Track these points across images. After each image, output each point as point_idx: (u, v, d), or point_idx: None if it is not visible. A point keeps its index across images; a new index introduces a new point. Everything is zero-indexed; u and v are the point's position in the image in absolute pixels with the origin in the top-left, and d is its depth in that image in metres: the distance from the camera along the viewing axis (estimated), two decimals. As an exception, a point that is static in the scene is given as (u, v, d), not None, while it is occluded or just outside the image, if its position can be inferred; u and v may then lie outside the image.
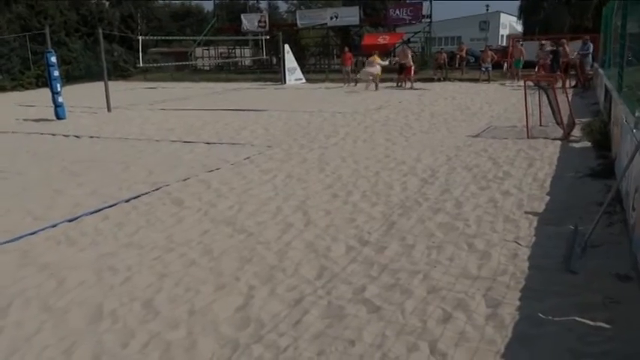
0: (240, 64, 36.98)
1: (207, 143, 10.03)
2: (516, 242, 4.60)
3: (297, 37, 34.37)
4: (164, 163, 8.43)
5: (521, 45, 21.56)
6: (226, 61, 35.79)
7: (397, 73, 21.16)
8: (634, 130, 4.76)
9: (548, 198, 5.79)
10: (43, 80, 21.67)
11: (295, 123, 12.16)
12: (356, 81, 22.13)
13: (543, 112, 10.06)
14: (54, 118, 14.24)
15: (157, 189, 6.81)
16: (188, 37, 34.59)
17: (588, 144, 8.34)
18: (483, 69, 21.28)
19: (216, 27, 36.14)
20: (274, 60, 32.57)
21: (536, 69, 18.80)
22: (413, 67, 20.81)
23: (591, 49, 17.41)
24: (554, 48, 18.82)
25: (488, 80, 20.83)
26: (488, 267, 4.13)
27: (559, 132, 9.30)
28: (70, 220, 5.67)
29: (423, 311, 3.49)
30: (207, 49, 37.87)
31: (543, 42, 19.57)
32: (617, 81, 7.71)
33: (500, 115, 12.30)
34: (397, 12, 29.44)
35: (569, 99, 10.41)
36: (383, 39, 28.32)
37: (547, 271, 3.98)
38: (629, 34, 7.19)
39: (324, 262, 4.37)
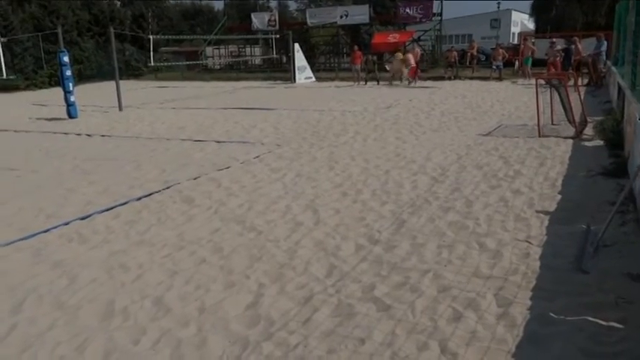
0: (250, 62, 37.06)
1: (218, 142, 10.06)
2: (527, 241, 4.56)
3: (307, 35, 34.35)
4: (175, 161, 8.47)
5: (533, 43, 21.37)
6: (236, 60, 35.88)
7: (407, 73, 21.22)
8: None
9: (559, 197, 5.75)
10: (56, 79, 21.89)
11: (305, 122, 12.16)
12: (366, 80, 22.10)
13: (555, 110, 9.98)
14: (66, 117, 14.38)
15: (167, 187, 6.85)
16: (199, 36, 34.71)
17: (601, 142, 8.26)
18: (494, 67, 21.14)
19: (227, 26, 36.24)
20: (284, 59, 32.59)
21: (547, 67, 18.63)
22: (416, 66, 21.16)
23: (605, 47, 17.20)
24: (567, 46, 18.64)
25: (499, 78, 20.69)
26: (500, 266, 4.10)
27: (571, 130, 9.21)
28: (82, 218, 5.73)
29: (433, 310, 3.48)
30: (218, 48, 37.99)
31: (554, 40, 19.40)
32: (630, 79, 7.62)
33: (512, 113, 12.22)
34: (407, 10, 29.31)
35: (582, 97, 10.30)
36: (393, 37, 28.19)
37: (558, 271, 3.95)
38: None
39: (333, 260, 4.38)
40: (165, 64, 28.71)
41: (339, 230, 5.08)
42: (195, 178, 7.26)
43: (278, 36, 29.67)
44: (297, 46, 24.86)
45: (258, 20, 33.07)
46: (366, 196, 6.17)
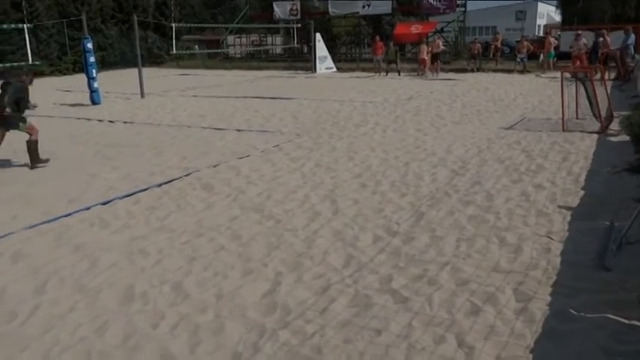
0: (271, 52, 37.01)
1: (238, 130, 10.10)
2: (549, 237, 4.50)
3: (329, 25, 34.13)
4: (195, 149, 8.53)
5: (558, 36, 20.92)
6: (258, 49, 35.87)
7: (431, 62, 21.06)
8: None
9: (582, 192, 5.65)
10: (80, 66, 22.16)
11: (325, 112, 12.13)
12: (387, 71, 21.93)
13: (580, 104, 9.78)
14: (89, 103, 14.56)
15: (188, 174, 6.91)
16: (220, 25, 34.75)
17: (627, 138, 8.07)
18: (518, 60, 20.78)
19: (249, 15, 36.20)
20: (305, 48, 32.47)
21: (572, 61, 18.27)
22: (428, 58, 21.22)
23: (633, 40, 16.78)
24: (594, 39, 18.22)
25: (523, 71, 20.35)
26: (520, 261, 4.06)
27: (596, 125, 9.03)
28: (104, 204, 5.81)
29: (451, 304, 3.45)
30: (239, 37, 38.01)
31: (579, 32, 18.96)
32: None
33: (535, 107, 12.02)
34: (431, 1, 28.91)
35: (608, 91, 10.09)
36: (415, 28, 27.85)
37: (580, 267, 3.89)
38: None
39: (351, 251, 4.37)
40: (187, 52, 28.75)
41: (358, 221, 5.07)
42: (215, 166, 7.31)
43: (299, 25, 29.55)
44: (318, 35, 24.74)
45: (280, 9, 32.96)
46: (385, 187, 6.14)
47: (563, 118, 9.25)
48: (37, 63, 22.49)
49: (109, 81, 20.40)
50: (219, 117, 11.87)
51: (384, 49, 22.35)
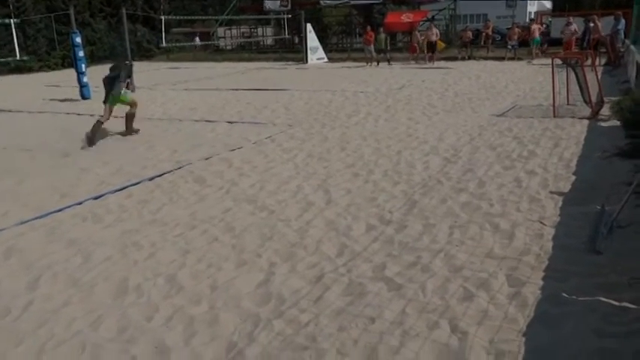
0: (262, 43, 36.82)
1: (230, 122, 10.06)
2: (541, 222, 4.53)
3: (320, 15, 33.99)
4: (187, 142, 8.49)
5: (549, 22, 20.94)
6: (248, 40, 35.67)
7: (426, 51, 21.13)
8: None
9: (574, 178, 5.68)
10: (69, 61, 21.90)
11: (317, 102, 12.10)
12: (378, 61, 21.88)
13: (571, 90, 9.81)
14: (79, 98, 14.43)
15: (180, 167, 6.88)
16: (210, 17, 34.49)
17: (617, 123, 8.12)
18: (510, 47, 20.80)
19: (238, 6, 35.95)
20: (296, 39, 32.32)
21: (563, 47, 18.30)
22: (417, 46, 21.75)
23: (623, 25, 16.82)
24: (585, 25, 18.24)
25: (514, 58, 20.37)
26: (512, 247, 4.08)
27: (587, 111, 9.06)
28: (96, 198, 5.78)
29: (444, 290, 3.48)
30: (230, 29, 37.76)
31: (571, 19, 18.98)
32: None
33: (526, 93, 12.04)
34: (422, -11, 28.83)
35: (599, 77, 10.12)
36: (406, 17, 27.76)
37: (572, 252, 3.92)
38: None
39: (344, 240, 4.38)
40: (177, 45, 28.51)
41: (351, 210, 5.08)
42: (207, 159, 7.28)
43: (290, 16, 29.38)
44: (309, 26, 24.61)
45: (271, 0, 32.75)
46: (377, 176, 6.15)
47: (554, 104, 9.28)
48: (25, 59, 22.25)
49: (98, 75, 20.08)
50: (211, 109, 11.81)
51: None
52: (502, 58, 20.73)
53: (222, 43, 35.83)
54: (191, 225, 4.87)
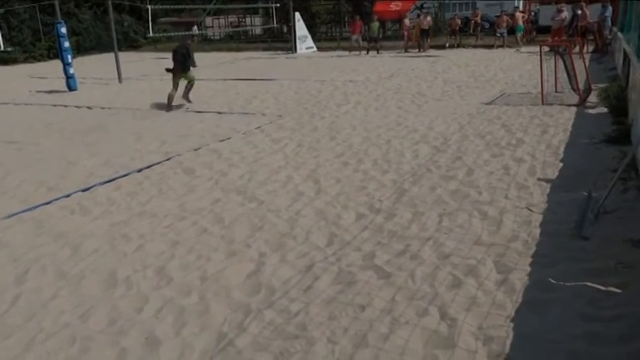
0: (250, 33, 36.55)
1: (218, 113, 10.00)
2: (528, 209, 4.56)
3: (308, 4, 33.74)
4: (175, 133, 8.44)
5: (537, 10, 20.93)
6: (236, 30, 35.39)
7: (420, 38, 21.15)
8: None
9: (561, 165, 5.72)
10: (55, 52, 21.66)
11: (306, 92, 12.06)
12: (368, 49, 21.81)
13: (559, 77, 9.85)
14: (66, 89, 14.27)
15: (168, 159, 6.84)
16: (198, 6, 34.11)
17: (604, 110, 8.18)
18: (498, 35, 20.80)
19: (226, -5, 35.60)
20: (285, 28, 32.10)
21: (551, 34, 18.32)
22: (407, 34, 21.98)
23: (610, 12, 16.87)
24: (572, 12, 18.25)
25: (503, 46, 20.39)
26: (500, 234, 4.11)
27: (575, 98, 9.11)
28: (84, 190, 5.74)
29: (433, 277, 3.50)
30: (217, 19, 37.43)
31: (563, 6, 18.94)
32: (636, 45, 7.49)
33: (515, 81, 12.08)
34: (410, -23, 28.66)
35: (586, 64, 10.16)
36: (395, 5, 27.67)
37: (559, 238, 3.96)
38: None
39: (334, 229, 4.39)
40: (165, 34, 28.19)
41: (340, 199, 5.09)
42: (195, 149, 7.25)
43: (278, 5, 29.15)
44: (297, 15, 24.45)
45: (258, -12, 32.45)
46: (367, 165, 6.16)
47: (542, 91, 9.31)
48: (9, 50, 21.93)
49: (85, 66, 20.03)
50: (199, 100, 11.71)
51: (362, 27, 22.20)
52: (491, 46, 20.73)
53: (210, 32, 35.51)
54: (180, 216, 4.86)
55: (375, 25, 21.83)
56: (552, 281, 3.33)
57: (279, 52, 25.58)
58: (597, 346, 2.69)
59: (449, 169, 5.85)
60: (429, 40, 21.40)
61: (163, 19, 35.41)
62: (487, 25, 25.71)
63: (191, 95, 10.97)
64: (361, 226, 4.45)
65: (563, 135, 6.99)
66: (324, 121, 8.79)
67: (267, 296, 3.40)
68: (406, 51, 21.52)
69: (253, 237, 4.32)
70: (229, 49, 28.43)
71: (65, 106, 11.85)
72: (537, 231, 4.11)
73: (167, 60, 24.47)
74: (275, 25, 31.22)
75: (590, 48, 16.91)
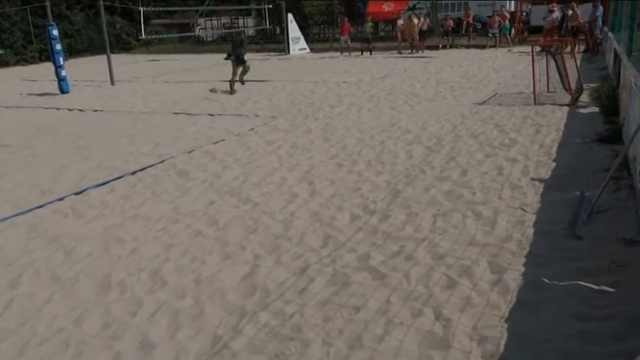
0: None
1: (212, 115, 9.99)
2: (522, 209, 4.59)
3: (301, 5, 33.74)
4: (169, 135, 8.42)
5: (529, 10, 21.02)
6: (229, 31, 35.32)
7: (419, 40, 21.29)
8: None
9: (554, 164, 5.75)
10: (46, 54, 21.50)
11: (299, 93, 12.06)
12: (362, 50, 21.85)
13: (551, 77, 9.91)
14: (58, 92, 14.19)
15: (162, 161, 6.83)
16: (190, 8, 34.05)
17: (596, 109, 8.24)
18: (490, 35, 20.91)
19: (219, -4, 35.56)
20: (277, 30, 32.09)
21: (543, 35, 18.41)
22: (400, 35, 22.25)
23: (601, 12, 16.99)
24: (563, 12, 18.36)
25: (495, 46, 20.49)
26: (494, 234, 4.13)
27: (567, 98, 9.17)
28: (77, 193, 5.71)
29: (428, 278, 3.51)
30: (210, 20, 37.38)
31: (554, 6, 19.02)
32: (627, 45, 7.55)
33: (508, 81, 12.14)
34: (402, -23, 28.71)
35: (578, 64, 10.22)
36: (388, 6, 27.73)
37: (552, 237, 3.98)
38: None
39: (329, 231, 4.39)
40: (157, 36, 28.10)
41: (335, 201, 5.09)
42: (189, 152, 7.23)
43: (271, 6, 29.14)
44: (290, 16, 24.45)
45: (251, -11, 32.41)
46: (361, 166, 6.17)
47: (534, 91, 9.36)
48: (0, 52, 21.76)
49: (77, 69, 19.93)
50: (192, 102, 11.71)
51: (350, 29, 22.25)
52: (483, 47, 20.83)
53: (202, 34, 35.45)
54: (174, 219, 4.84)
55: (368, 26, 21.87)
56: (546, 281, 3.35)
57: (272, 53, 25.56)
58: (591, 345, 2.71)
59: (443, 169, 5.87)
60: (423, 41, 21.47)
61: (156, 20, 35.29)
62: (479, 26, 25.83)
63: (244, 78, 12.89)
64: (356, 227, 4.46)
65: (556, 135, 7.03)
66: (318, 122, 8.80)
67: (262, 298, 3.39)
68: (399, 52, 21.57)
69: (248, 239, 4.32)
70: (222, 51, 28.16)
71: (57, 108, 11.78)
72: (531, 231, 4.13)
73: (160, 62, 24.41)
74: (268, 26, 31.23)
75: (581, 48, 17.01)
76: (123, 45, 32.02)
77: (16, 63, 26.21)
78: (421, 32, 21.26)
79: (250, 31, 35.65)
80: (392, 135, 7.59)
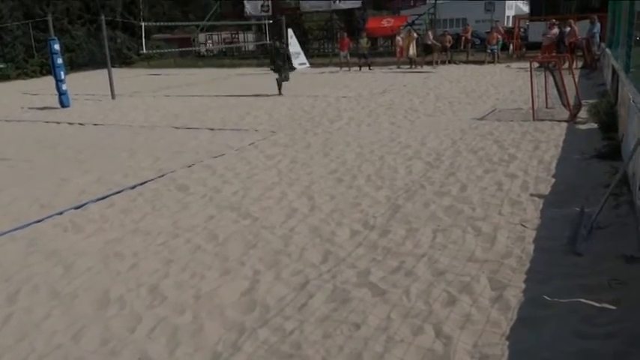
0: (243, 49, 36.74)
1: (212, 129, 10.02)
2: (522, 225, 4.58)
3: (301, 21, 34.01)
4: (169, 149, 8.44)
5: (527, 26, 21.23)
6: (230, 46, 35.56)
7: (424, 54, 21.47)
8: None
9: (553, 180, 5.76)
10: (47, 68, 21.62)
11: (299, 108, 12.11)
12: (360, 65, 21.98)
13: (549, 93, 9.97)
14: (58, 106, 14.25)
15: (162, 175, 6.83)
16: (191, 23, 34.30)
17: (595, 125, 8.27)
18: (489, 51, 21.06)
19: (219, 12, 35.83)
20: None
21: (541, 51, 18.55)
22: (400, 51, 22.19)
23: (598, 29, 17.14)
24: (560, 29, 18.51)
25: (494, 62, 20.63)
26: (494, 250, 4.12)
27: (565, 114, 9.21)
28: (77, 208, 5.71)
29: (428, 295, 3.50)
30: (211, 35, 37.63)
31: (554, 22, 19.16)
32: (624, 61, 7.61)
33: (506, 97, 12.20)
34: (402, -6, 29.06)
35: (576, 80, 10.29)
36: (387, 22, 27.99)
37: (553, 253, 3.98)
38: (638, 12, 7.08)
39: (328, 246, 4.38)
40: (158, 51, 28.25)
41: (334, 216, 5.09)
42: (189, 166, 7.24)
43: (271, 22, 29.36)
44: (290, 31, 24.64)
45: (251, 6, 32.69)
46: (360, 181, 6.17)
47: (533, 107, 9.41)
48: (1, 66, 21.87)
49: (78, 83, 20.01)
50: (193, 116, 11.75)
51: (350, 45, 22.40)
52: (482, 62, 20.97)
53: (203, 49, 35.66)
54: (174, 234, 4.84)
55: (364, 41, 22.02)
56: (547, 298, 3.34)
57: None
58: (592, 363, 2.69)
59: (442, 184, 5.88)
60: (426, 57, 21.65)
61: (157, 35, 35.54)
62: (478, 42, 26.01)
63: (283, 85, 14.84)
64: (355, 242, 4.45)
65: (555, 151, 7.05)
66: (318, 137, 8.82)
67: (261, 314, 3.38)
68: (399, 67, 21.71)
69: (247, 254, 4.31)
70: (222, 66, 28.53)
71: (58, 122, 11.82)
72: (531, 247, 4.13)
73: (160, 76, 24.47)
74: (268, 41, 31.42)
75: (579, 64, 17.13)
76: (124, 59, 32.21)
77: (17, 77, 26.32)
78: (426, 47, 21.44)
79: (250, 46, 35.89)
80: (391, 150, 7.62)
